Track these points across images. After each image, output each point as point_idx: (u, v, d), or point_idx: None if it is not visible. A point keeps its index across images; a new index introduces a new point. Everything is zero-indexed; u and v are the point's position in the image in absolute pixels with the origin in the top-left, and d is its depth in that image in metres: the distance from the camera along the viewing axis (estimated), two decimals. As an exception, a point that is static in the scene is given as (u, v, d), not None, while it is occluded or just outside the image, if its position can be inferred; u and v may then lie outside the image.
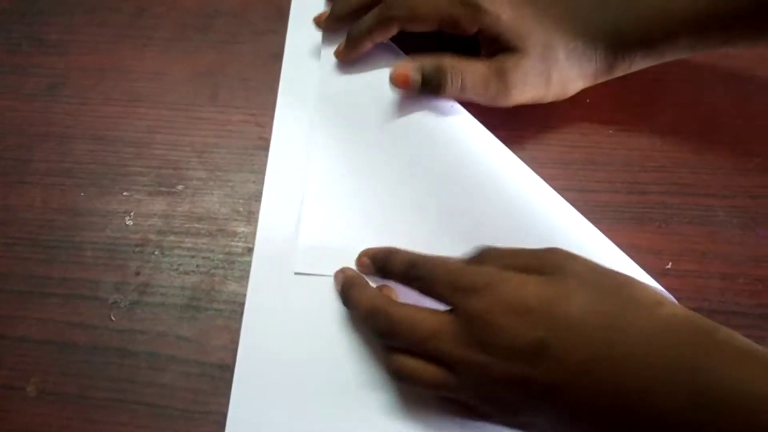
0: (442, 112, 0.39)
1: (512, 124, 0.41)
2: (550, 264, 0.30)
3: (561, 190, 0.40)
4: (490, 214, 0.37)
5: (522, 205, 0.37)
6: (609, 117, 0.42)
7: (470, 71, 0.38)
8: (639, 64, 0.39)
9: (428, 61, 0.38)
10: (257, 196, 0.41)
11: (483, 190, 0.37)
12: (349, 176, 0.40)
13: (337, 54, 0.43)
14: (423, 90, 0.38)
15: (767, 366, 0.26)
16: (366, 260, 0.37)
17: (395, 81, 0.38)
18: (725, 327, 0.28)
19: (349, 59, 0.43)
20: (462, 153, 0.38)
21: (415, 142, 0.39)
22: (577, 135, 0.42)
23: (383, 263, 0.36)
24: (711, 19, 0.36)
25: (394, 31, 0.41)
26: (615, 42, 0.38)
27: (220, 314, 0.38)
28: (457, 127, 0.39)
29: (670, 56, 0.39)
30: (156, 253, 0.40)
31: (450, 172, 0.38)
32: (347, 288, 0.36)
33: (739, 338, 0.27)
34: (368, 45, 0.42)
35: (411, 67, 0.38)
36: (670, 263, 0.38)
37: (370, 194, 0.40)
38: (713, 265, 0.38)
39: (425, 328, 0.31)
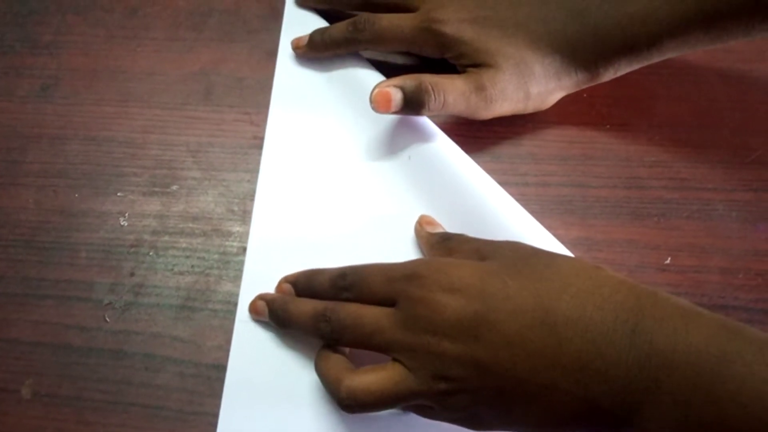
0: (405, 125, 0.40)
1: (509, 121, 0.41)
2: (487, 250, 0.32)
3: (559, 186, 0.40)
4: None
5: (476, 210, 0.37)
6: (606, 112, 0.42)
7: (451, 88, 0.37)
8: (625, 69, 0.38)
9: (408, 80, 0.37)
10: (252, 196, 0.40)
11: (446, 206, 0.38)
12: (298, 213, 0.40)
13: (296, 48, 0.43)
14: (405, 109, 0.37)
15: (707, 322, 0.26)
16: (286, 286, 0.36)
17: (377, 102, 0.37)
18: (665, 292, 0.28)
19: (306, 58, 0.43)
20: (424, 169, 0.39)
21: (373, 163, 0.40)
22: (575, 130, 0.42)
23: (306, 284, 0.35)
24: (693, 20, 0.35)
25: (358, 50, 0.42)
26: (595, 52, 0.37)
27: (215, 314, 0.38)
28: (418, 141, 0.40)
29: (657, 58, 0.38)
30: (151, 253, 0.40)
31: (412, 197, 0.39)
32: (281, 306, 0.35)
33: (678, 299, 0.28)
34: (329, 55, 0.42)
35: (391, 86, 0.37)
36: (669, 258, 0.38)
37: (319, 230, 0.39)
38: (713, 260, 0.38)
39: (371, 321, 0.31)
